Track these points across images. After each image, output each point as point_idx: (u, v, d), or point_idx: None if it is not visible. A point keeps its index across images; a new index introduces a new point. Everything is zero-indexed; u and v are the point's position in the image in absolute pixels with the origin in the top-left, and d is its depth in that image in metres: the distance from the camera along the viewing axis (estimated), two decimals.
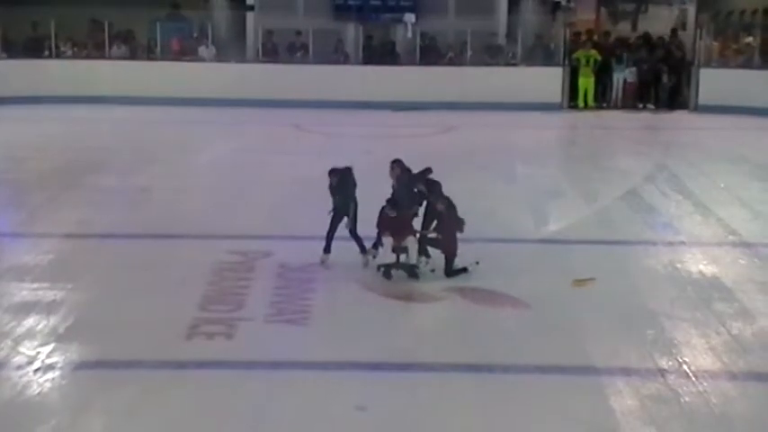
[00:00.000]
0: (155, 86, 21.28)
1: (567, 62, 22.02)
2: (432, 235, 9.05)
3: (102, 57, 22.24)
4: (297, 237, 10.21)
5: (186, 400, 6.35)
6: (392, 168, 9.37)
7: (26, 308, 8.01)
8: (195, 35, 23.00)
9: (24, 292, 8.50)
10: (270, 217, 11.34)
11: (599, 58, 22.01)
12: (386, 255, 8.99)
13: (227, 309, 8.07)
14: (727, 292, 8.66)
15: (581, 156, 17.43)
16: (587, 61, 21.95)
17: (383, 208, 8.85)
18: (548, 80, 21.93)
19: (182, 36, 22.90)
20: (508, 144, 17.45)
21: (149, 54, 22.59)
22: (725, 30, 23.06)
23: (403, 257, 8.85)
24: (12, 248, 10.13)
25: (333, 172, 9.12)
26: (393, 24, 23.02)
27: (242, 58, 22.46)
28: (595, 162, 16.11)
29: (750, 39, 22.05)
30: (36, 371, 6.74)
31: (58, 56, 22.27)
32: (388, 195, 9.06)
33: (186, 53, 22.69)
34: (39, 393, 6.43)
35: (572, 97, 22.14)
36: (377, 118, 20.16)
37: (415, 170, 9.40)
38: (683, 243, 10.44)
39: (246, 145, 16.91)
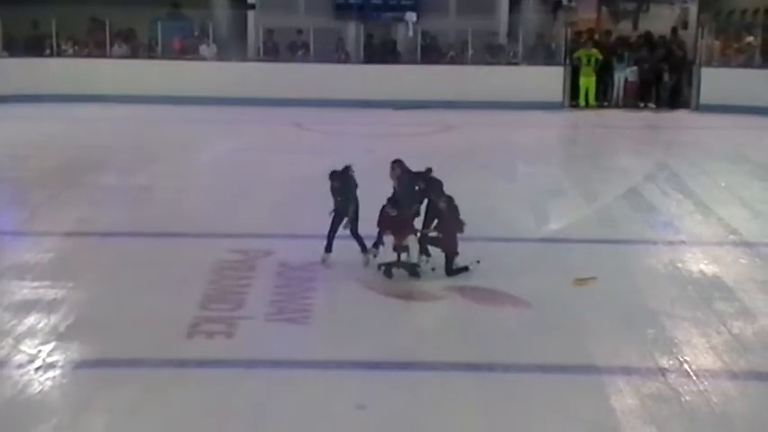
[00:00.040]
0: (156, 85, 21.29)
1: (568, 61, 22.02)
2: (432, 234, 9.06)
3: (104, 55, 22.26)
4: (297, 235, 10.22)
5: (187, 398, 6.36)
6: (392, 169, 9.39)
7: (27, 306, 8.02)
8: (196, 34, 23.01)
9: (25, 290, 8.51)
10: (271, 216, 11.34)
11: (600, 57, 22.02)
12: (386, 253, 8.99)
13: (227, 307, 8.07)
14: (728, 292, 8.65)
15: (582, 155, 17.42)
16: (588, 60, 21.96)
17: (384, 207, 8.85)
18: (549, 79, 21.94)
19: (183, 35, 22.91)
20: (509, 143, 17.45)
21: (150, 53, 22.61)
22: (726, 29, 23.06)
23: (404, 256, 8.85)
24: (13, 247, 10.14)
25: (333, 175, 9.11)
26: (394, 23, 23.02)
27: (243, 57, 22.48)
28: (596, 161, 16.11)
29: (751, 38, 22.05)
30: (37, 369, 6.75)
31: (60, 54, 22.28)
32: (389, 194, 9.07)
33: (187, 52, 22.70)
34: (40, 392, 6.43)
35: (573, 96, 22.14)
36: (378, 117, 20.16)
37: (416, 170, 9.41)
38: (683, 242, 10.44)
39: (247, 144, 16.91)
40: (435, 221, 9.12)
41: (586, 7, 23.74)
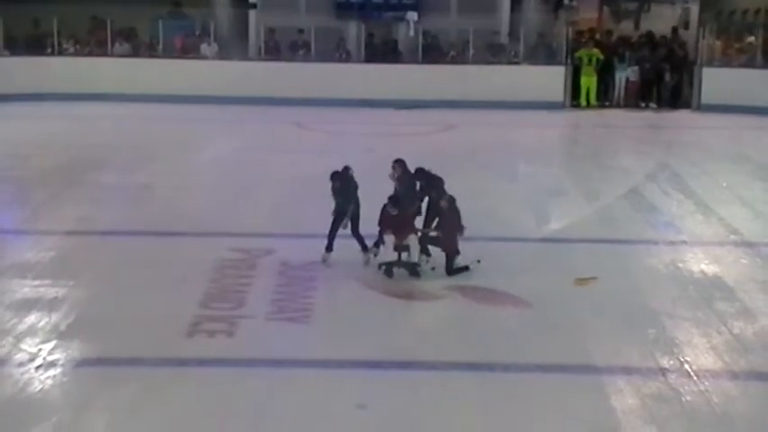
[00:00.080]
0: (157, 84, 21.28)
1: (569, 61, 22.00)
2: (433, 233, 9.06)
3: (105, 54, 22.24)
4: (298, 235, 10.23)
5: (187, 397, 6.36)
6: (393, 168, 9.41)
7: (28, 305, 8.03)
8: (198, 33, 22.99)
9: (26, 288, 8.51)
10: (271, 215, 11.34)
11: (601, 56, 22.00)
12: (387, 253, 8.99)
13: (228, 306, 8.08)
14: (729, 292, 8.66)
15: (583, 154, 17.42)
16: (590, 60, 21.94)
17: (385, 206, 8.85)
18: (550, 79, 21.92)
19: (184, 34, 22.91)
20: (510, 143, 17.44)
21: (151, 52, 22.59)
22: (727, 29, 23.04)
23: (404, 256, 8.86)
24: (14, 245, 10.14)
25: (334, 176, 9.12)
26: (395, 23, 23.00)
27: (244, 56, 22.46)
28: (597, 161, 16.11)
29: (752, 38, 22.03)
30: (37, 368, 6.75)
31: (61, 53, 22.26)
32: (390, 193, 9.07)
33: (188, 51, 22.69)
34: (40, 390, 6.44)
35: (574, 96, 22.12)
36: (379, 116, 20.16)
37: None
38: (684, 242, 10.44)
39: (248, 143, 16.91)
40: (436, 220, 9.13)
41: (588, 7, 23.72)
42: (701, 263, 9.60)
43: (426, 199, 9.41)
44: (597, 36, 22.93)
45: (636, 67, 22.21)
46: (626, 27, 23.64)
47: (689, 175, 14.09)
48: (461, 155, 15.29)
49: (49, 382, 6.57)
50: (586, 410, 6.24)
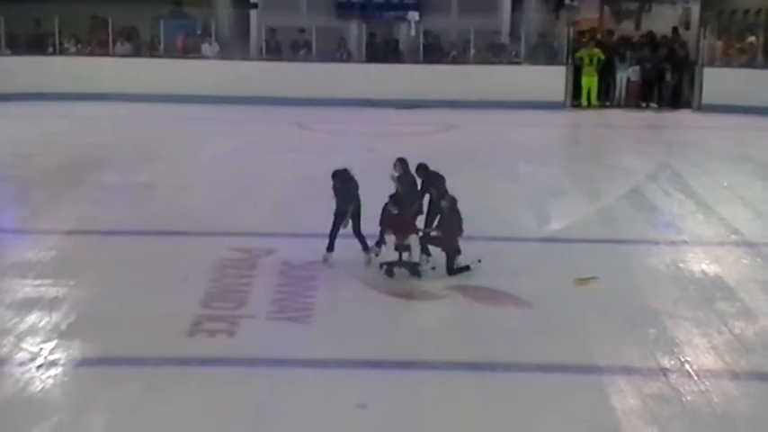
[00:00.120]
0: (158, 84, 21.28)
1: (570, 61, 21.99)
2: (433, 233, 9.06)
3: (106, 54, 22.24)
4: (299, 234, 10.23)
5: (189, 397, 6.37)
6: (394, 167, 9.43)
7: (29, 304, 8.03)
8: (199, 33, 23.00)
9: (27, 288, 8.52)
10: (272, 214, 11.35)
11: (602, 56, 21.99)
12: (388, 253, 8.99)
13: (229, 306, 8.08)
14: (730, 292, 8.66)
15: (584, 154, 17.41)
16: (590, 60, 21.94)
17: (386, 205, 8.85)
18: (551, 79, 21.91)
19: (185, 33, 22.91)
20: (511, 142, 17.43)
21: (153, 51, 22.59)
22: (728, 29, 23.03)
23: (405, 255, 8.86)
24: (15, 245, 10.15)
25: (336, 175, 9.13)
26: (396, 22, 22.99)
27: (245, 56, 22.46)
28: (598, 161, 16.10)
29: (753, 38, 22.02)
30: (38, 367, 6.76)
31: (62, 53, 22.26)
32: (391, 192, 9.07)
33: (190, 51, 22.69)
34: (41, 390, 6.45)
35: (575, 96, 22.12)
36: (380, 116, 20.16)
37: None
38: (685, 242, 10.44)
39: (249, 143, 16.91)
40: (437, 219, 9.14)
41: (589, 7, 23.71)
42: (701, 263, 9.60)
43: (428, 198, 9.42)
44: (598, 36, 22.93)
45: (637, 67, 22.21)
46: (627, 27, 23.64)
47: (690, 175, 14.09)
48: (462, 155, 15.28)
49: (50, 381, 6.57)
50: (587, 410, 6.24)
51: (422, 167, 9.45)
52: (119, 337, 7.32)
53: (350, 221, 9.08)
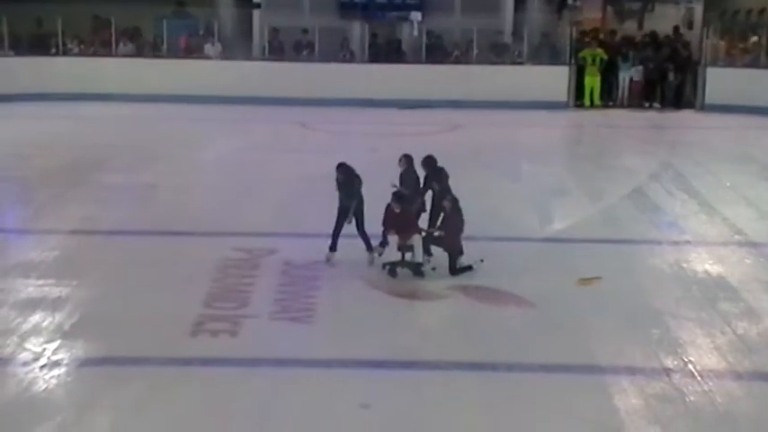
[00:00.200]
0: (161, 84, 21.29)
1: (573, 61, 21.98)
2: (436, 233, 9.06)
3: (109, 54, 22.25)
4: (302, 234, 10.24)
5: (192, 396, 6.37)
6: (400, 162, 9.46)
7: (32, 304, 8.04)
8: (201, 33, 23.00)
9: (30, 288, 8.53)
10: (275, 214, 11.35)
11: (605, 56, 21.98)
12: (391, 253, 8.99)
13: (232, 306, 8.09)
14: (733, 292, 8.65)
15: (586, 154, 17.41)
16: (593, 60, 21.92)
17: (389, 205, 8.85)
18: (554, 79, 21.90)
19: (188, 33, 22.91)
20: (514, 142, 17.43)
21: (155, 51, 22.60)
22: (731, 29, 22.99)
23: (408, 256, 8.86)
24: (18, 245, 10.17)
25: (339, 167, 9.14)
26: (399, 22, 22.99)
27: (248, 56, 22.47)
28: (601, 161, 16.10)
29: (756, 38, 21.99)
30: (42, 367, 6.77)
31: (65, 53, 22.27)
32: (394, 190, 9.07)
33: (192, 51, 22.70)
34: (44, 390, 6.46)
35: (578, 96, 22.10)
36: (382, 116, 20.16)
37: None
38: (688, 242, 10.43)
39: (252, 143, 16.92)
40: (441, 217, 9.14)
41: (591, 7, 23.69)
42: (704, 263, 9.59)
43: (430, 195, 9.42)
44: (601, 36, 22.90)
45: (640, 67, 22.19)
46: (630, 27, 23.61)
47: (693, 175, 14.08)
48: (465, 155, 15.25)
49: (54, 381, 6.58)
50: (590, 410, 6.24)
51: (428, 159, 9.45)
52: (122, 337, 7.33)
53: (353, 218, 9.08)
